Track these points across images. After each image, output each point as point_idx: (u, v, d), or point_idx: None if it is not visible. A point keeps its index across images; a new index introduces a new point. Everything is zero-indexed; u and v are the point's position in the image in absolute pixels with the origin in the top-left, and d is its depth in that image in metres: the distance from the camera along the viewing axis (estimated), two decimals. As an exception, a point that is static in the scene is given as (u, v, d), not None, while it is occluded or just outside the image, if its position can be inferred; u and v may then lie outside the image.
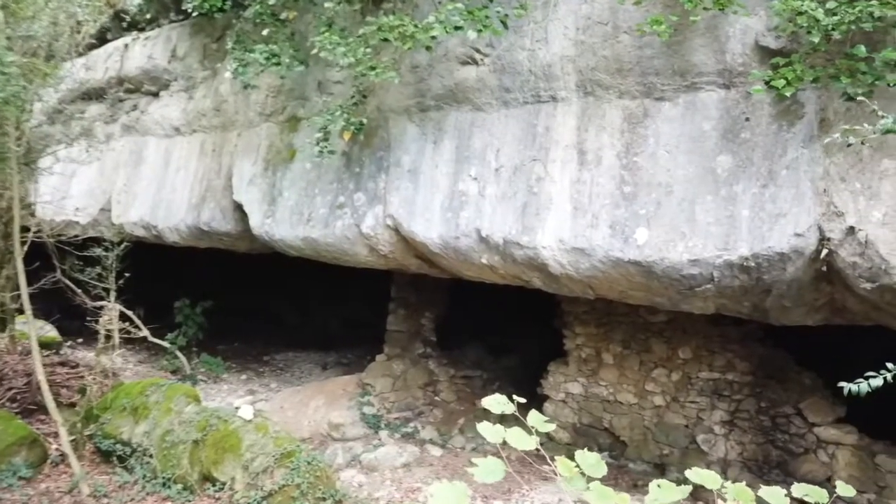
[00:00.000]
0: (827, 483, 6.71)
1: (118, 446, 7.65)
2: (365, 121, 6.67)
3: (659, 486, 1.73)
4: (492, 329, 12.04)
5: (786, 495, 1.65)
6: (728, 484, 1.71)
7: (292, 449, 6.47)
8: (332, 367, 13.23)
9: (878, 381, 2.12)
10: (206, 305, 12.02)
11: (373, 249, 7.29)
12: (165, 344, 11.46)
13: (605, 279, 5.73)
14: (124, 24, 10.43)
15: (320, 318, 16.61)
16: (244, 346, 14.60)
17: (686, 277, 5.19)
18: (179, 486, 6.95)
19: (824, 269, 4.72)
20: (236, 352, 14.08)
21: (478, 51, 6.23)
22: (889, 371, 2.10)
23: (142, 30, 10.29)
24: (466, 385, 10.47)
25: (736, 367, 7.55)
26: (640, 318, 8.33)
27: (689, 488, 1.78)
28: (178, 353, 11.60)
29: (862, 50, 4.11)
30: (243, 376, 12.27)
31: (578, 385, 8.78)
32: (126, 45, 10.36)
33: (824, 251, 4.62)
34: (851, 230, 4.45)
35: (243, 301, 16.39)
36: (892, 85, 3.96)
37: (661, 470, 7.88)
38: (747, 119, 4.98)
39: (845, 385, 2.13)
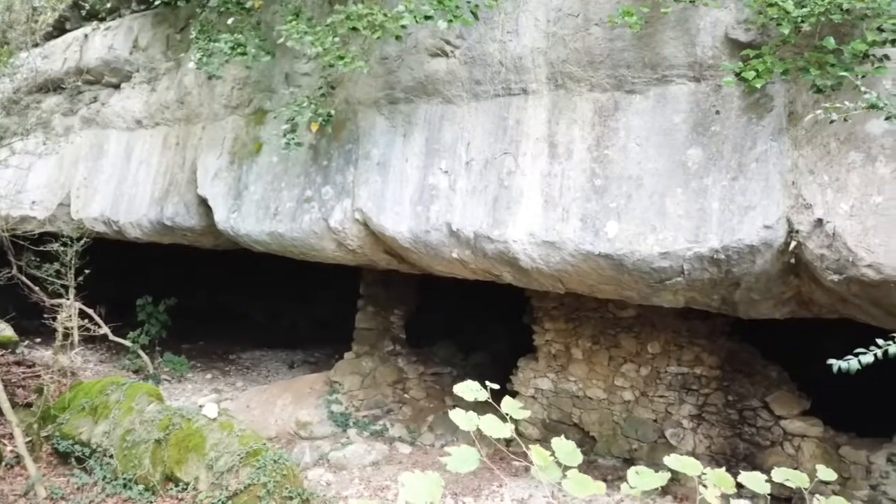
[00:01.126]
0: (793, 475, 6.78)
1: (76, 447, 7.41)
2: (333, 112, 6.55)
3: (637, 472, 1.68)
4: (462, 326, 11.98)
5: (766, 481, 1.61)
6: (708, 470, 1.66)
7: (258, 448, 6.33)
8: (300, 365, 13.06)
9: (868, 358, 2.08)
10: (169, 303, 11.73)
11: (341, 244, 7.17)
12: (127, 343, 11.17)
13: (575, 273, 5.70)
14: (84, 14, 10.13)
15: (288, 316, 16.40)
16: (209, 345, 14.32)
17: (656, 270, 5.18)
18: (141, 487, 6.75)
19: (792, 261, 4.75)
20: (201, 351, 13.81)
21: (448, 42, 6.15)
22: (879, 347, 2.07)
23: (102, 20, 10.01)
24: (436, 382, 10.39)
25: (704, 361, 7.59)
26: (610, 313, 8.34)
27: (667, 475, 1.72)
28: (141, 352, 11.31)
29: (831, 42, 4.13)
30: (208, 375, 12.03)
31: (548, 381, 8.76)
32: (86, 36, 10.06)
33: (793, 243, 4.64)
34: (819, 222, 4.48)
35: (209, 299, 16.12)
36: (860, 77, 3.98)
37: (630, 464, 7.88)
38: (717, 112, 4.99)
39: (834, 362, 2.08)
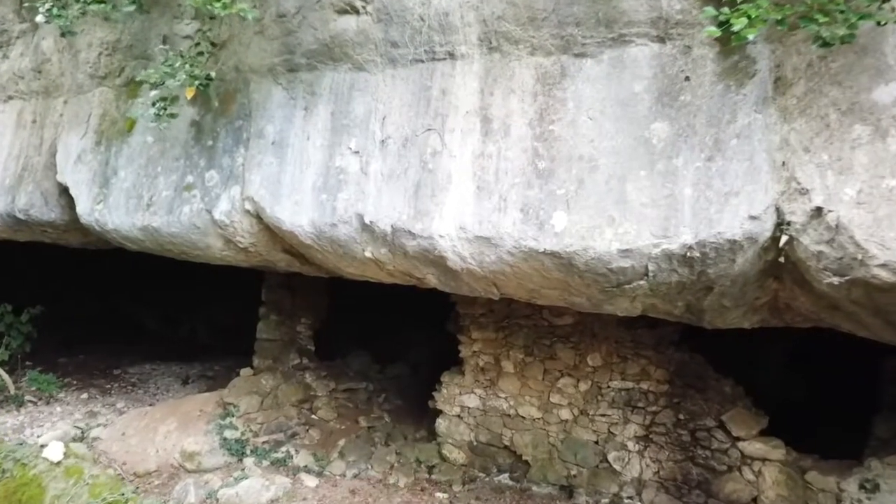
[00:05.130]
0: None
1: None
2: (213, 74, 5.31)
3: None
4: (378, 334, 10.83)
5: None
6: None
7: (114, 499, 5.00)
8: (195, 380, 11.53)
9: None
10: (34, 312, 10.00)
11: (229, 241, 5.92)
12: (-20, 360, 9.44)
13: (514, 275, 4.69)
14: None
15: (186, 323, 14.77)
16: (92, 358, 12.55)
17: (614, 272, 4.22)
18: (-39, 553, 5.31)
19: (781, 259, 3.88)
20: (80, 365, 12.05)
21: (359, -5, 5.03)
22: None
23: (-57, -28, 8.31)
24: (349, 400, 9.20)
25: (651, 374, 6.75)
26: (544, 320, 7.41)
27: None
28: (-1, 370, 9.59)
29: (842, -20, 3.27)
30: (84, 395, 10.35)
31: (475, 397, 7.75)
32: (-78, -9, 8.34)
33: (783, 238, 3.78)
34: (818, 211, 3.62)
35: (92, 306, 14.31)
36: (882, 24, 3.12)
37: (568, 493, 6.98)
38: (687, 78, 4.08)
39: None
